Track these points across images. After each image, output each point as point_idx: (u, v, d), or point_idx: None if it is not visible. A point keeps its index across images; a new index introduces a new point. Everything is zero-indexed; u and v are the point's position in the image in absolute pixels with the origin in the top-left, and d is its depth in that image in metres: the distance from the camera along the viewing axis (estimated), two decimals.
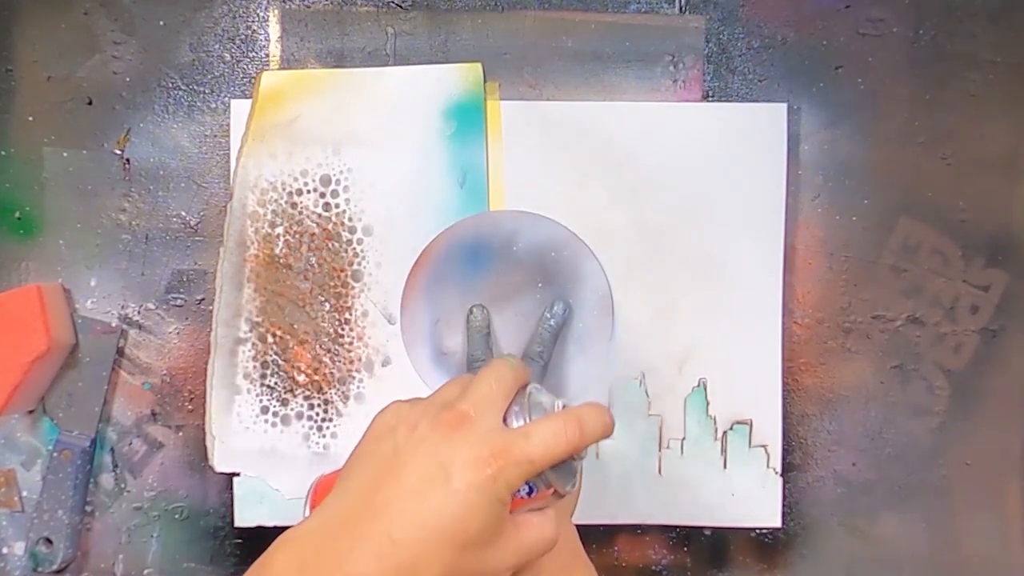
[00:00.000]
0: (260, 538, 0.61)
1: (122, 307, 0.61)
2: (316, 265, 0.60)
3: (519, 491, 0.42)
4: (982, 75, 0.61)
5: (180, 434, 0.61)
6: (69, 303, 0.61)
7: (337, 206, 0.60)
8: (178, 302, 0.61)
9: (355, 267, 0.60)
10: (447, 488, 0.39)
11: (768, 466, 0.61)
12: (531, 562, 0.43)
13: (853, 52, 0.61)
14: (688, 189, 0.60)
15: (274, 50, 0.61)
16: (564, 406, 0.45)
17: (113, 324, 0.61)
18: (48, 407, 0.61)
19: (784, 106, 0.61)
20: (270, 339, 0.60)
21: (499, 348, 0.60)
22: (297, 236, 0.60)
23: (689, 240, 0.61)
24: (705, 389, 0.61)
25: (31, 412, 0.61)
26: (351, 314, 0.60)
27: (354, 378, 0.60)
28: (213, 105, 0.61)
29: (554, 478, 0.43)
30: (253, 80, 0.61)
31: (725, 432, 0.61)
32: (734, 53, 0.62)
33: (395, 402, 0.45)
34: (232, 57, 0.61)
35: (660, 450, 0.61)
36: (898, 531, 0.62)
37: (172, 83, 0.61)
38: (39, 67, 0.60)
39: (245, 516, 0.60)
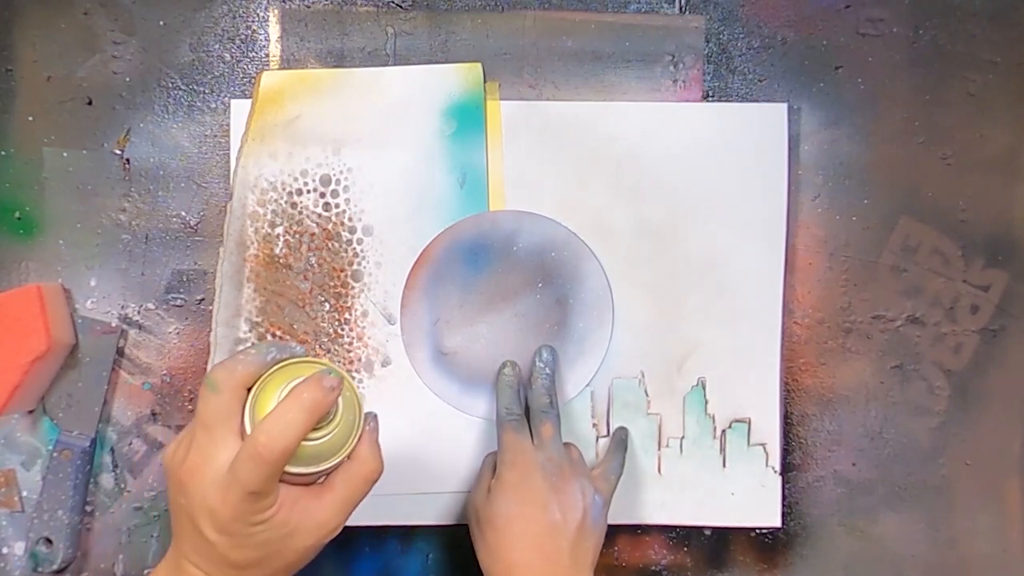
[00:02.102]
0: None
1: (122, 307, 0.61)
2: (316, 265, 0.60)
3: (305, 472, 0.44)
4: (982, 75, 0.61)
5: None
6: (69, 303, 0.61)
7: (337, 206, 0.60)
8: (178, 302, 0.61)
9: (355, 267, 0.60)
10: (204, 537, 0.44)
11: (767, 465, 0.61)
12: (360, 499, 0.47)
13: (853, 52, 0.61)
14: (688, 189, 0.60)
15: (274, 50, 0.61)
16: (291, 391, 0.44)
17: (113, 324, 0.61)
18: (48, 407, 0.61)
19: (784, 106, 0.61)
20: (270, 339, 0.60)
21: (500, 353, 0.60)
22: (297, 236, 0.60)
23: (689, 240, 0.61)
24: (704, 388, 0.61)
25: (31, 412, 0.61)
26: (351, 314, 0.60)
27: (354, 378, 0.60)
28: (213, 105, 0.61)
29: (298, 469, 0.44)
30: (253, 80, 0.61)
31: (724, 431, 0.61)
32: (734, 53, 0.62)
33: (167, 447, 0.47)
34: (232, 57, 0.61)
35: (659, 449, 0.61)
36: (898, 531, 0.62)
37: (172, 83, 0.61)
38: (39, 67, 0.60)
39: None
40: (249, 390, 0.45)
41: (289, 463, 0.43)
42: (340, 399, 0.45)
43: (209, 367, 0.59)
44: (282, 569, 0.46)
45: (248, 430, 0.44)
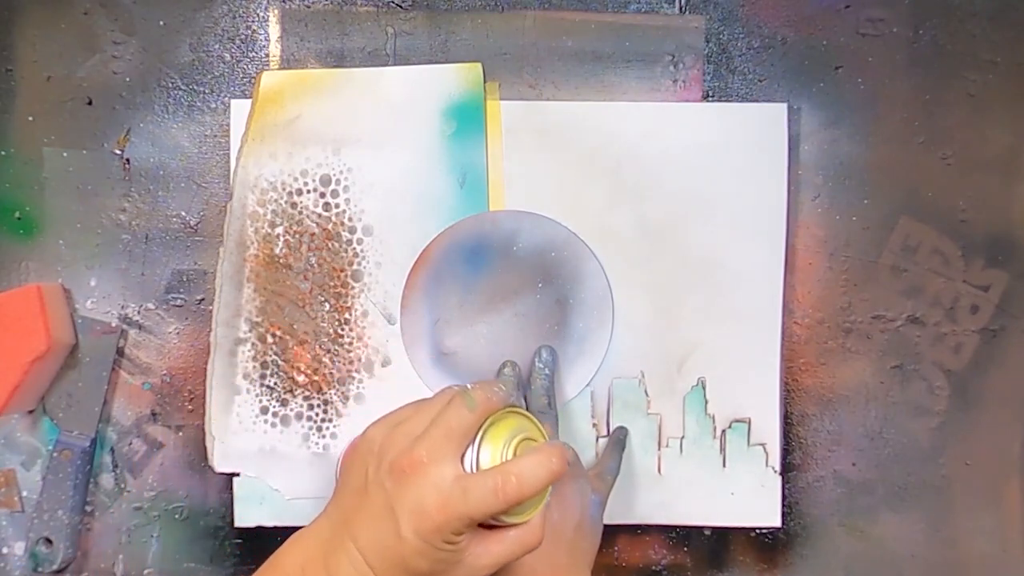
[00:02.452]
0: (260, 538, 0.61)
1: (122, 307, 0.61)
2: (316, 265, 0.60)
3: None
4: (982, 75, 0.61)
5: (180, 434, 0.61)
6: (69, 303, 0.61)
7: (337, 206, 0.60)
8: (178, 302, 0.61)
9: (355, 267, 0.60)
10: (396, 531, 0.44)
11: (767, 465, 0.61)
12: (511, 562, 0.46)
13: (853, 52, 0.61)
14: (688, 189, 0.60)
15: (274, 50, 0.61)
16: (521, 443, 0.46)
17: (113, 324, 0.61)
18: (48, 407, 0.61)
19: (784, 106, 0.61)
20: (270, 339, 0.60)
21: (500, 353, 0.60)
22: (297, 236, 0.60)
23: (689, 240, 0.61)
24: (704, 388, 0.61)
25: (31, 412, 0.61)
26: (351, 314, 0.60)
27: (354, 378, 0.60)
28: (213, 105, 0.61)
29: (504, 517, 0.45)
30: (253, 80, 0.61)
31: (724, 431, 0.61)
32: (734, 53, 0.62)
33: (377, 423, 0.47)
34: (232, 57, 0.61)
35: (659, 449, 0.61)
36: (898, 531, 0.62)
37: (172, 83, 0.61)
38: (39, 67, 0.60)
39: (245, 516, 0.60)
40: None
41: None
42: None
43: (209, 367, 0.59)
44: None
45: (470, 459, 0.45)
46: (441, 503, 0.43)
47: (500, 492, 0.43)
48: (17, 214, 0.61)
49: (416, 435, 0.45)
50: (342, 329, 0.60)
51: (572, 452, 0.58)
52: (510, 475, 0.44)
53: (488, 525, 0.46)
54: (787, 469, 0.62)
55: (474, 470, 0.45)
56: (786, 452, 0.62)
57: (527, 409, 0.58)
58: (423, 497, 0.43)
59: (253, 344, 0.60)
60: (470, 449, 0.45)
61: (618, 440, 0.60)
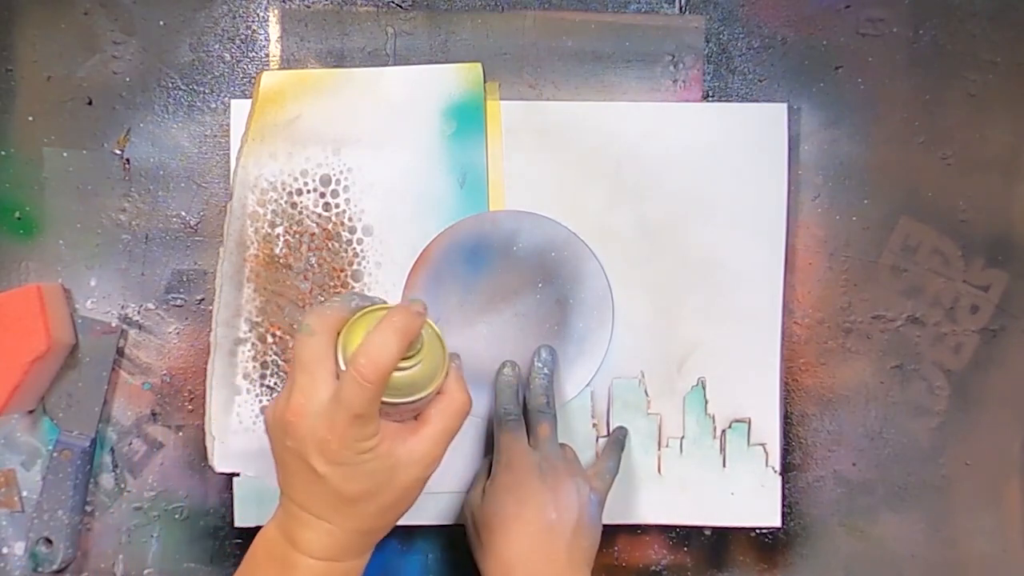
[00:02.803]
0: None
1: (122, 307, 0.61)
2: (316, 265, 0.60)
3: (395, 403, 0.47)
4: (982, 75, 0.61)
5: (180, 434, 0.61)
6: (69, 303, 0.61)
7: (337, 206, 0.60)
8: (178, 302, 0.61)
9: (355, 267, 0.60)
10: (316, 473, 0.46)
11: (767, 465, 0.61)
12: (453, 435, 0.49)
13: (853, 52, 0.61)
14: (688, 189, 0.61)
15: (274, 50, 0.61)
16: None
17: (113, 324, 0.61)
18: (48, 407, 0.61)
19: (784, 106, 0.61)
20: (270, 339, 0.60)
21: (500, 353, 0.60)
22: (297, 236, 0.60)
23: (689, 240, 0.61)
24: (704, 388, 0.61)
25: (31, 412, 0.61)
26: None
27: None
28: (213, 105, 0.61)
29: (395, 399, 0.47)
30: (253, 80, 0.61)
31: (724, 431, 0.61)
32: (734, 53, 0.62)
33: (268, 406, 0.50)
34: (232, 57, 0.61)
35: (659, 449, 0.61)
36: (898, 531, 0.62)
37: (172, 83, 0.61)
38: (39, 67, 0.60)
39: (245, 516, 0.60)
40: (338, 335, 0.48)
41: (385, 393, 0.46)
42: (424, 333, 0.48)
43: (209, 367, 0.59)
44: (390, 505, 0.48)
45: (342, 367, 0.46)
46: (328, 425, 0.45)
47: (360, 378, 0.44)
48: (17, 214, 0.61)
49: (288, 389, 0.47)
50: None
51: (571, 451, 0.59)
52: (358, 358, 0.45)
53: (403, 418, 0.48)
54: (787, 469, 0.62)
55: None
56: (786, 452, 0.62)
57: (525, 410, 0.58)
58: (315, 430, 0.45)
59: (253, 344, 0.60)
60: (339, 360, 0.47)
61: (617, 440, 0.60)
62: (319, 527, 0.47)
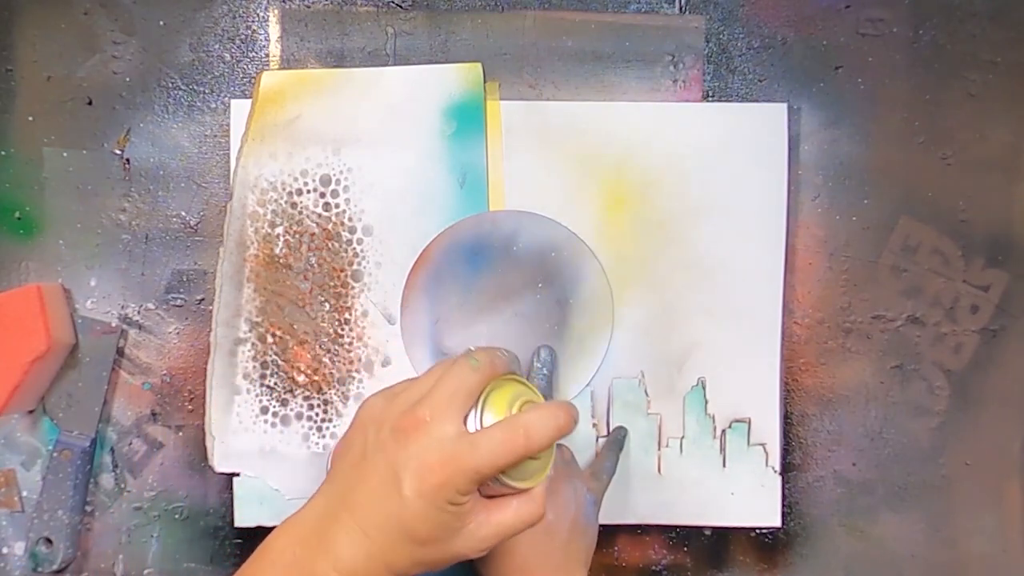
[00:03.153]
0: (260, 538, 0.60)
1: (122, 307, 0.61)
2: (316, 265, 0.60)
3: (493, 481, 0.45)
4: (982, 75, 0.61)
5: (180, 434, 0.61)
6: (69, 303, 0.61)
7: (337, 206, 0.60)
8: (178, 302, 0.61)
9: (355, 267, 0.60)
10: (399, 493, 0.43)
11: (767, 465, 0.61)
12: (513, 536, 0.46)
13: (853, 52, 0.61)
14: (688, 189, 0.61)
15: (274, 50, 0.61)
16: (523, 405, 0.46)
17: (113, 324, 0.61)
18: (48, 407, 0.61)
19: (784, 106, 0.61)
20: (270, 339, 0.60)
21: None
22: (297, 236, 0.60)
23: (689, 240, 0.61)
24: (704, 388, 0.61)
25: (31, 412, 0.61)
26: (351, 314, 0.60)
27: (354, 378, 0.60)
28: (213, 105, 0.61)
29: (508, 479, 0.44)
30: (253, 80, 0.61)
31: (724, 430, 0.61)
32: (734, 53, 0.62)
33: (376, 395, 0.47)
34: (232, 57, 0.61)
35: (659, 449, 0.61)
36: (898, 531, 0.62)
37: (172, 83, 0.61)
38: (39, 67, 0.60)
39: (245, 516, 0.60)
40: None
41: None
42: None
43: (209, 367, 0.59)
44: (430, 562, 0.45)
45: (473, 420, 0.44)
46: (445, 458, 0.42)
47: (509, 443, 0.42)
48: (17, 214, 0.61)
49: (417, 398, 0.45)
50: (342, 329, 0.60)
51: (568, 452, 0.59)
52: (519, 426, 0.43)
53: (491, 496, 0.45)
54: (787, 469, 0.62)
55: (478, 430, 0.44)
56: (786, 452, 0.62)
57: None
58: (426, 453, 0.43)
59: (253, 344, 0.60)
60: (473, 412, 0.45)
61: (615, 440, 0.60)
62: (360, 543, 0.44)
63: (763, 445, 0.61)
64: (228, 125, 0.60)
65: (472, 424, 0.44)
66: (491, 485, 0.45)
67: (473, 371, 0.45)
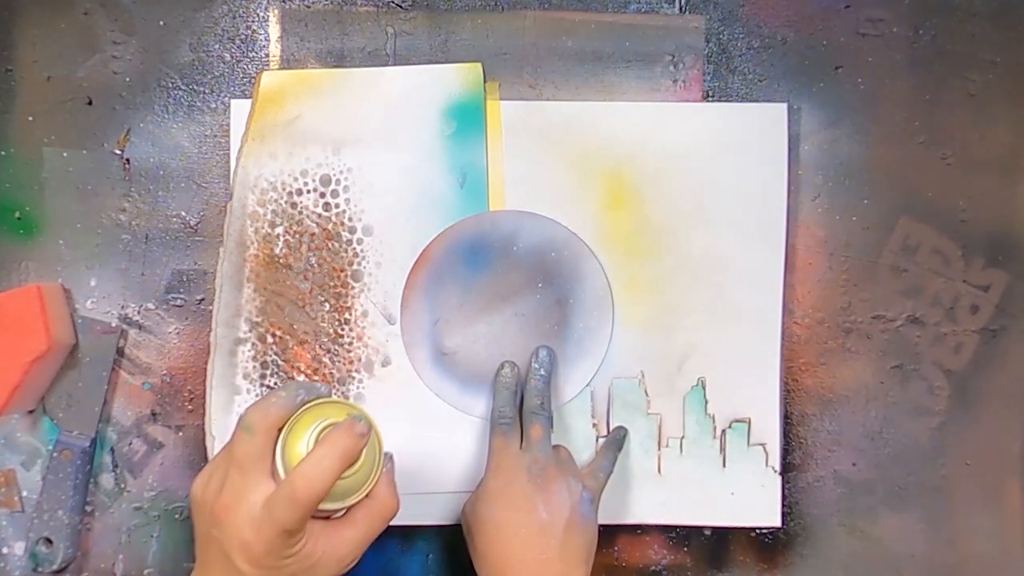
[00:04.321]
0: None
1: (122, 307, 0.61)
2: (316, 265, 0.60)
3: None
4: (982, 75, 0.61)
5: (180, 434, 0.61)
6: (69, 303, 0.61)
7: (337, 206, 0.60)
8: (178, 302, 0.61)
9: (355, 267, 0.60)
10: (237, 569, 0.46)
11: (767, 464, 0.61)
12: (375, 535, 0.49)
13: (853, 52, 0.61)
14: (688, 189, 0.61)
15: (274, 50, 0.61)
16: (322, 432, 0.48)
17: (113, 324, 0.61)
18: (48, 407, 0.61)
19: (784, 106, 0.61)
20: (270, 339, 0.60)
21: (500, 353, 0.60)
22: (297, 236, 0.60)
23: (689, 240, 0.61)
24: (704, 388, 0.61)
25: (31, 412, 0.61)
26: (351, 314, 0.60)
27: (354, 378, 0.60)
28: (213, 105, 0.61)
29: (331, 505, 0.47)
30: (253, 80, 0.61)
31: (724, 430, 0.61)
32: (734, 53, 0.62)
33: (198, 477, 0.49)
34: (232, 57, 0.61)
35: (659, 449, 0.61)
36: (898, 531, 0.62)
37: (172, 83, 0.61)
38: (39, 67, 0.60)
39: None
40: (279, 430, 0.48)
41: None
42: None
43: (209, 367, 0.59)
44: None
45: (280, 469, 0.47)
46: (255, 531, 0.45)
47: (293, 500, 0.45)
48: (17, 214, 0.61)
49: (220, 481, 0.47)
50: (342, 329, 0.60)
51: (565, 451, 0.59)
52: (295, 480, 0.45)
53: (328, 516, 0.48)
54: (787, 469, 0.62)
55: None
56: (786, 452, 0.62)
57: (520, 409, 0.58)
58: (241, 532, 0.46)
59: (253, 344, 0.60)
60: (277, 464, 0.47)
61: (614, 440, 0.60)
62: None
63: (763, 445, 0.61)
64: (228, 125, 0.60)
65: (282, 473, 0.47)
66: (319, 513, 0.47)
67: (250, 436, 0.47)
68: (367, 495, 0.49)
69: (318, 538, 0.47)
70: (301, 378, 0.60)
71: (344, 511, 0.49)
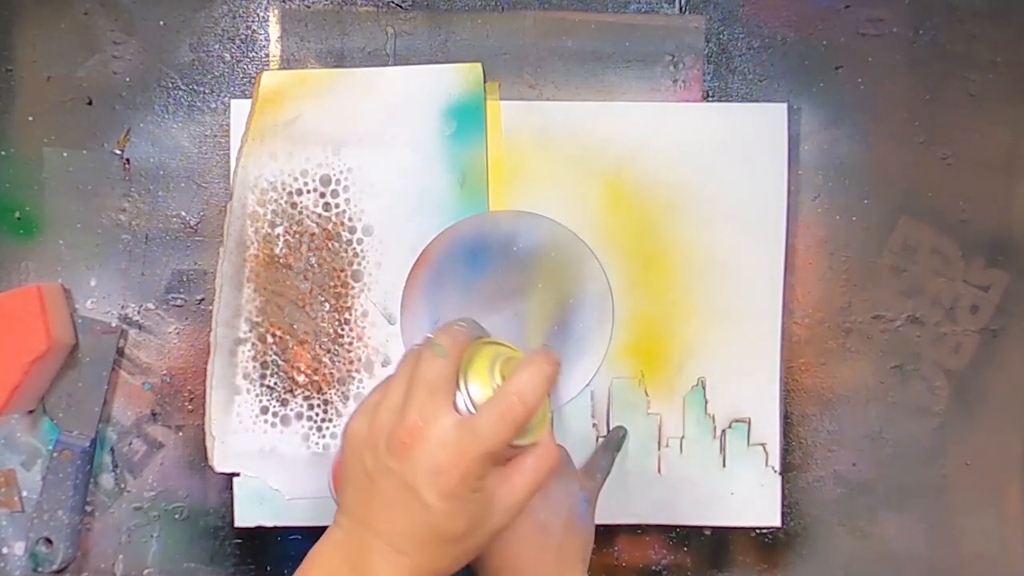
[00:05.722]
0: (260, 538, 0.61)
1: (122, 307, 0.61)
2: (316, 265, 0.60)
3: None
4: (982, 75, 0.61)
5: (180, 434, 0.61)
6: (69, 303, 0.61)
7: (337, 206, 0.60)
8: (178, 302, 0.61)
9: (355, 267, 0.60)
10: (422, 503, 0.42)
11: (767, 464, 0.61)
12: (540, 487, 0.45)
13: (853, 52, 0.61)
14: (688, 189, 0.61)
15: (274, 50, 0.61)
16: (503, 365, 0.45)
17: (113, 324, 0.61)
18: (48, 407, 0.61)
19: (784, 106, 0.61)
20: (270, 339, 0.60)
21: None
22: (297, 236, 0.60)
23: (689, 240, 0.61)
24: (704, 388, 0.61)
25: (31, 412, 0.61)
26: (351, 314, 0.60)
27: (354, 378, 0.60)
28: (213, 105, 0.61)
29: (517, 441, 0.44)
30: (253, 80, 0.61)
31: (724, 430, 0.61)
32: (734, 53, 0.62)
33: (355, 416, 0.46)
34: (232, 57, 0.61)
35: (659, 449, 0.61)
36: (898, 531, 0.62)
37: (172, 83, 0.61)
38: (39, 67, 0.60)
39: (245, 516, 0.60)
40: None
41: None
42: None
43: (209, 367, 0.59)
44: (472, 550, 0.45)
45: (464, 399, 0.44)
46: (455, 455, 0.42)
47: (508, 415, 0.42)
48: (17, 214, 0.61)
49: (399, 406, 0.44)
50: (342, 329, 0.60)
51: (564, 451, 0.58)
52: (510, 395, 0.43)
53: (502, 461, 0.45)
54: (787, 469, 0.62)
55: (471, 411, 0.44)
56: (786, 452, 0.62)
57: None
58: (434, 457, 0.42)
59: (253, 344, 0.60)
60: (459, 394, 0.44)
61: (611, 440, 0.60)
62: (398, 561, 0.43)
63: (763, 445, 0.61)
64: (228, 125, 0.60)
65: (463, 406, 0.44)
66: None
67: (441, 358, 0.44)
68: (534, 442, 0.46)
69: (496, 481, 0.44)
70: (301, 379, 0.60)
71: (510, 458, 0.45)
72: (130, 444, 0.61)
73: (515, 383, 0.43)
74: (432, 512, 0.42)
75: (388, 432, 0.43)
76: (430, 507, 0.42)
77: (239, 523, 0.60)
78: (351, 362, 0.60)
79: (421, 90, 0.60)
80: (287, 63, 0.61)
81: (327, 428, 0.60)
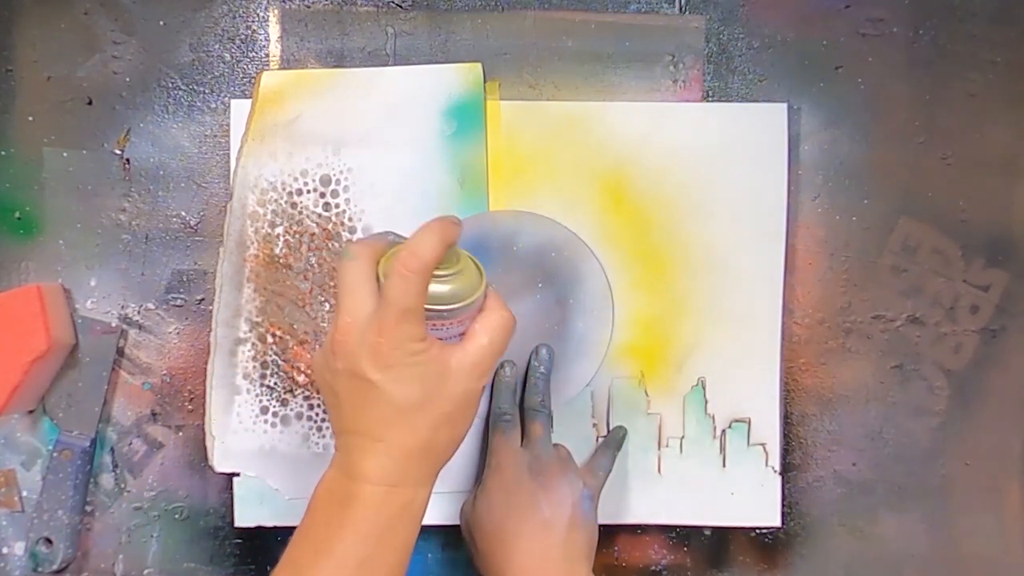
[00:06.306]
0: (260, 538, 0.61)
1: (122, 307, 0.61)
2: (316, 265, 0.60)
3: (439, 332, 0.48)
4: (982, 75, 0.61)
5: (180, 434, 0.61)
6: (69, 303, 0.61)
7: (337, 206, 0.60)
8: (178, 302, 0.61)
9: None
10: (370, 384, 0.46)
11: (767, 464, 0.61)
12: (500, 352, 0.49)
13: (853, 52, 0.61)
14: (688, 189, 0.61)
15: (274, 50, 0.61)
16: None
17: (113, 324, 0.61)
18: (48, 407, 0.61)
19: (784, 106, 0.61)
20: (270, 339, 0.60)
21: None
22: (297, 236, 0.60)
23: (689, 240, 0.61)
24: (704, 388, 0.61)
25: (31, 412, 0.61)
26: None
27: None
28: (213, 105, 0.61)
29: (441, 305, 0.47)
30: (253, 80, 0.61)
31: (724, 430, 0.61)
32: (734, 53, 0.62)
33: (314, 357, 0.50)
34: (232, 57, 0.61)
35: (659, 448, 0.61)
36: (898, 531, 0.62)
37: (172, 83, 0.61)
38: (39, 67, 0.60)
39: (245, 516, 0.60)
40: (377, 264, 0.48)
41: (428, 301, 0.46)
42: (461, 251, 0.48)
43: (209, 367, 0.59)
44: (444, 418, 0.47)
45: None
46: (377, 327, 0.45)
47: (404, 269, 0.44)
48: (17, 214, 0.61)
49: (335, 319, 0.47)
50: None
51: (565, 450, 0.59)
52: (402, 251, 0.45)
53: (452, 335, 0.48)
54: (787, 469, 0.62)
55: None
56: (786, 452, 0.62)
57: (521, 408, 0.59)
58: (365, 339, 0.45)
59: (253, 344, 0.60)
60: (381, 283, 0.47)
61: (612, 439, 0.60)
62: (375, 448, 0.46)
63: (763, 445, 0.61)
64: (228, 125, 0.60)
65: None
66: (440, 321, 0.47)
67: (352, 260, 0.47)
68: (479, 309, 0.48)
69: (443, 348, 0.47)
70: (302, 378, 0.60)
71: (462, 332, 0.48)
72: (130, 444, 0.61)
73: (407, 243, 0.46)
74: (381, 387, 0.45)
75: (328, 343, 0.47)
76: (376, 383, 0.45)
77: (239, 523, 0.60)
78: None
79: (421, 90, 0.60)
80: (287, 63, 0.61)
81: (327, 428, 0.60)
